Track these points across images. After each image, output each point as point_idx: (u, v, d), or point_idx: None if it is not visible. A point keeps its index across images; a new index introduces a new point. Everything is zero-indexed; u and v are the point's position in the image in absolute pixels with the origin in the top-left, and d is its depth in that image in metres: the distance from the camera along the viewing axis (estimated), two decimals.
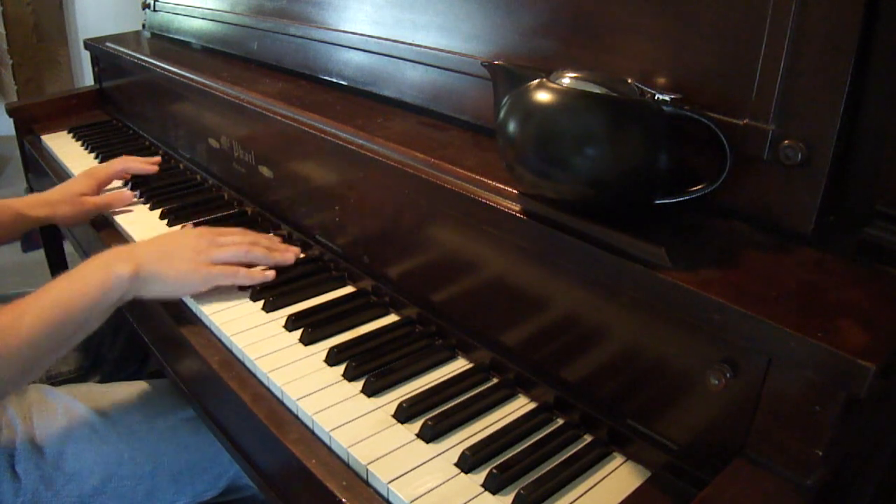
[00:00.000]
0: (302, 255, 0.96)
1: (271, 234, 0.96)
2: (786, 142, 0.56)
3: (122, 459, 0.84)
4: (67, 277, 0.75)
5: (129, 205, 1.12)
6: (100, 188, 1.12)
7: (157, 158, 1.21)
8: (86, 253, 1.24)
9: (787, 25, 0.54)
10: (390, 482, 0.57)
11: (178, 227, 1.04)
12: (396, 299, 0.82)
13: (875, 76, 0.54)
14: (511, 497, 0.56)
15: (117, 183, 1.18)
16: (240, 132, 1.07)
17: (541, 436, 0.63)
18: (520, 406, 0.68)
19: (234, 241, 0.87)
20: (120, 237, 1.06)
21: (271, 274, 0.86)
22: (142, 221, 1.08)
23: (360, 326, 0.80)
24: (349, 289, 0.88)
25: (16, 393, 0.88)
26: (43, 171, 1.42)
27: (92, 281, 0.74)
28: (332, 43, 1.03)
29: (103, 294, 0.74)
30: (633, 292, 0.56)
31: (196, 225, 1.04)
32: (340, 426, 0.64)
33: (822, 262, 0.55)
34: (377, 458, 0.60)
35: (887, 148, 0.55)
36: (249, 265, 0.87)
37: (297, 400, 0.67)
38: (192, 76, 1.15)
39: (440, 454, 0.61)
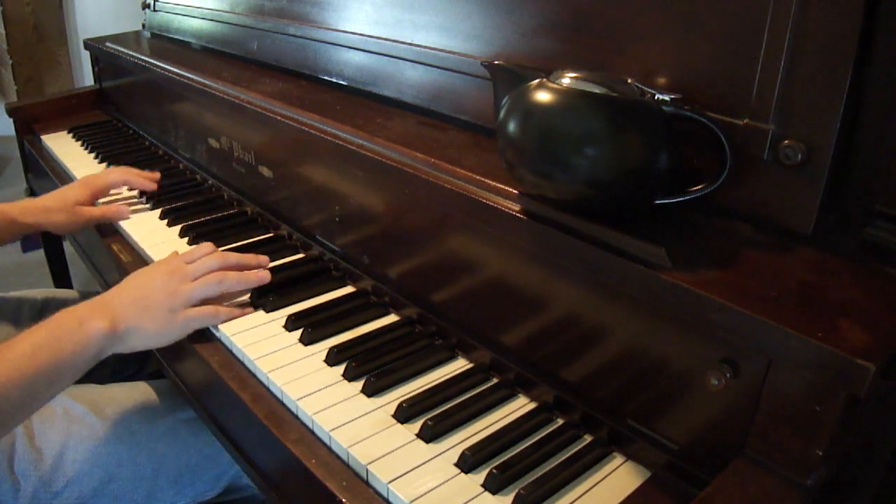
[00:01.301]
0: (302, 255, 0.96)
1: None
2: (786, 142, 0.56)
3: (121, 460, 0.84)
4: (43, 331, 0.71)
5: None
6: (95, 198, 1.10)
7: (157, 175, 1.17)
8: (85, 253, 1.24)
9: (787, 25, 0.54)
10: (390, 482, 0.57)
11: (179, 227, 1.04)
12: (396, 299, 0.82)
13: (875, 76, 0.54)
14: (511, 497, 0.56)
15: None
16: (240, 132, 1.07)
17: (541, 436, 0.63)
18: (520, 406, 0.68)
19: (207, 267, 0.82)
20: (122, 238, 1.06)
21: (249, 309, 0.82)
22: (142, 222, 1.08)
23: (360, 326, 0.80)
24: (349, 289, 0.88)
25: None
26: (43, 171, 1.42)
27: (67, 338, 0.71)
28: (332, 43, 1.03)
29: (79, 351, 0.71)
30: (633, 292, 0.56)
31: (193, 227, 1.04)
32: (340, 426, 0.64)
33: (822, 262, 0.55)
34: (377, 458, 0.60)
35: (887, 148, 0.55)
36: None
37: (297, 400, 0.67)
38: (192, 76, 1.15)
39: (440, 454, 0.61)
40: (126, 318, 0.75)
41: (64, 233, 1.12)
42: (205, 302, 0.81)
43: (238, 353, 0.76)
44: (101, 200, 1.13)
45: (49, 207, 1.06)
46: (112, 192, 1.16)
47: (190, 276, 0.80)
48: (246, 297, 0.84)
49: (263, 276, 0.85)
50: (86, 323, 0.72)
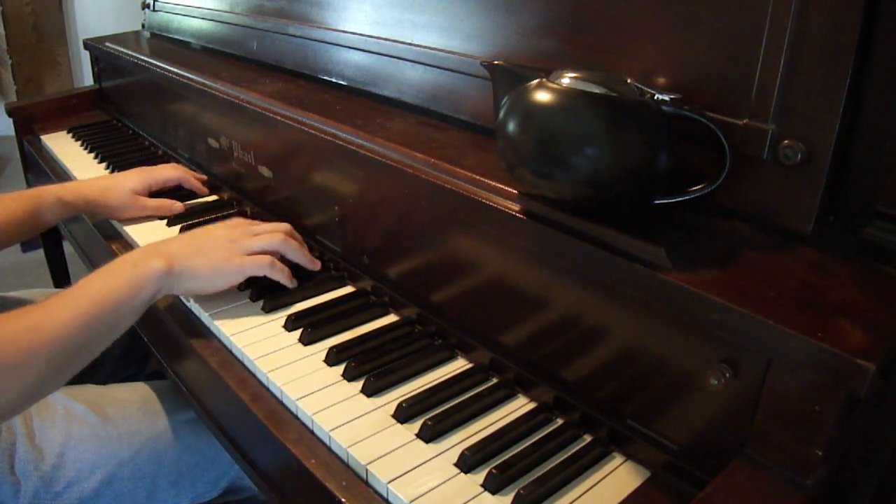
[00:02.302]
0: None
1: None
2: (786, 142, 0.56)
3: (122, 461, 0.84)
4: (99, 275, 0.73)
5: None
6: (150, 190, 1.10)
7: (204, 178, 1.18)
8: (85, 254, 1.24)
9: (787, 25, 0.54)
10: (390, 482, 0.57)
11: (178, 227, 1.05)
12: (396, 299, 0.82)
13: (875, 76, 0.54)
14: (511, 497, 0.56)
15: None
16: (239, 132, 1.07)
17: (540, 436, 0.63)
18: (519, 406, 0.68)
19: (270, 229, 0.85)
20: (122, 239, 1.06)
21: (295, 281, 0.85)
22: (142, 222, 1.07)
23: (359, 326, 0.80)
24: (349, 289, 0.88)
25: None
26: (42, 171, 1.42)
27: (124, 278, 0.73)
28: (332, 43, 1.03)
29: (136, 291, 0.73)
30: (633, 292, 0.56)
31: (193, 227, 1.04)
32: (340, 426, 0.64)
33: (822, 262, 0.55)
34: (377, 458, 0.60)
35: (887, 148, 0.55)
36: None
37: (297, 400, 0.67)
38: (191, 76, 1.15)
39: (440, 454, 0.61)
40: (181, 258, 0.77)
41: (116, 216, 1.08)
42: None
43: (238, 353, 0.76)
44: None
45: (106, 187, 1.05)
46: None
47: (252, 231, 0.84)
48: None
49: (317, 264, 0.88)
50: (140, 264, 0.74)
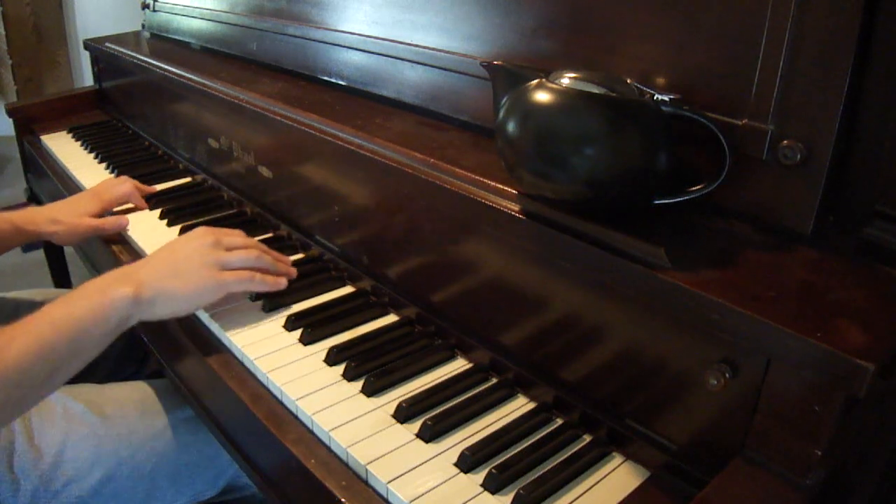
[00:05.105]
0: (301, 256, 0.96)
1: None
2: (785, 142, 0.56)
3: (121, 459, 0.84)
4: (64, 301, 0.69)
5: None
6: (104, 210, 1.08)
7: (154, 189, 1.17)
8: (85, 254, 1.25)
9: (787, 25, 0.54)
10: (390, 482, 0.57)
11: (179, 227, 1.04)
12: (396, 299, 0.82)
13: (875, 76, 0.54)
14: (510, 497, 0.56)
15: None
16: (239, 132, 1.07)
17: (540, 436, 0.63)
18: (519, 406, 0.68)
19: (242, 244, 0.82)
20: (122, 239, 1.06)
21: (283, 282, 0.82)
22: (142, 221, 1.07)
23: (359, 326, 0.80)
24: (349, 289, 0.88)
25: None
26: (42, 171, 1.42)
27: (87, 305, 0.69)
28: (332, 43, 1.03)
29: (101, 319, 0.69)
30: (632, 292, 0.56)
31: (193, 227, 1.04)
32: (340, 426, 0.64)
33: (821, 262, 0.55)
34: (376, 458, 0.60)
35: (887, 148, 0.55)
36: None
37: (297, 400, 0.67)
38: (191, 76, 1.15)
39: (440, 454, 0.61)
40: (152, 282, 0.73)
41: (68, 243, 1.08)
42: None
43: (237, 353, 0.76)
44: None
45: (56, 217, 1.04)
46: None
47: (226, 245, 0.80)
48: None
49: (292, 272, 0.85)
50: (107, 290, 0.70)
